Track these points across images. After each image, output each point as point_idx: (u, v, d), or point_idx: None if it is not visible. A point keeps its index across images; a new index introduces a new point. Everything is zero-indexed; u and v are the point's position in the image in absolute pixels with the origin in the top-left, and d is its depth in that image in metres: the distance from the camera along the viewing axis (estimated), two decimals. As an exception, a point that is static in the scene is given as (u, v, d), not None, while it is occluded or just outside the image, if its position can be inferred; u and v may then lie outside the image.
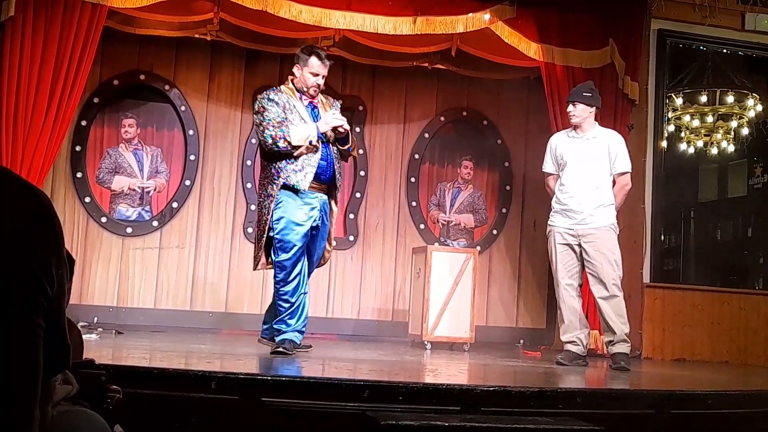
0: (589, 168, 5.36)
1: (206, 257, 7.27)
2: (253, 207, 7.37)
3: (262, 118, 4.63)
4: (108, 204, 7.18)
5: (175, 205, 7.26)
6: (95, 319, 6.51)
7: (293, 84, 4.81)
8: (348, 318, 7.45)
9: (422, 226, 7.77)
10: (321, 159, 4.69)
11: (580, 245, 5.31)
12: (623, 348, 5.22)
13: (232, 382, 3.16)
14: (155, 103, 7.39)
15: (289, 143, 4.55)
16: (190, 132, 7.35)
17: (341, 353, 5.38)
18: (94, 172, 7.16)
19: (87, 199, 7.06)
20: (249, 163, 7.42)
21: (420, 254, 6.43)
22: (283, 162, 4.61)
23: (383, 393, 3.23)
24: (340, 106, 4.96)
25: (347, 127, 4.73)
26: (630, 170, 5.47)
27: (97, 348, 4.42)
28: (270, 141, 4.57)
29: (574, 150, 5.42)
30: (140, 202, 7.24)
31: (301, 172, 4.60)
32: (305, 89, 4.78)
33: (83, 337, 5.05)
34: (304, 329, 4.76)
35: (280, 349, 4.51)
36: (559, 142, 5.55)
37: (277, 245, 4.63)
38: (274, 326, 4.69)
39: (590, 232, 5.28)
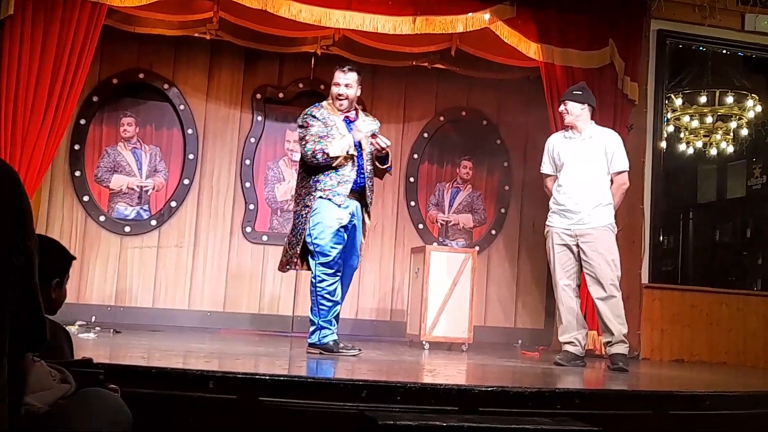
0: (586, 168, 5.35)
1: (204, 256, 7.27)
2: (252, 206, 7.39)
3: (305, 133, 4.92)
4: (106, 203, 7.17)
5: (173, 204, 7.25)
6: (93, 318, 6.49)
7: (331, 101, 5.07)
8: (346, 318, 7.40)
9: (421, 226, 7.77)
10: (355, 171, 4.93)
11: (578, 245, 5.30)
12: (621, 349, 5.21)
13: (230, 382, 3.15)
14: (154, 102, 7.39)
15: (327, 155, 4.79)
16: (189, 131, 7.34)
17: (342, 354, 5.38)
18: (93, 171, 7.16)
19: (85, 198, 7.06)
20: (248, 162, 7.42)
21: (418, 254, 6.42)
22: (322, 175, 4.87)
23: (381, 393, 3.22)
24: (378, 125, 5.21)
25: (384, 144, 4.92)
26: (627, 169, 5.45)
27: (95, 347, 4.42)
28: (310, 154, 4.82)
29: (571, 150, 5.42)
30: (139, 201, 7.24)
31: (339, 186, 4.86)
32: (334, 102, 5.04)
33: (81, 336, 5.05)
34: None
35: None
36: (556, 142, 5.55)
37: (317, 250, 4.83)
38: (320, 323, 4.87)
39: (588, 232, 5.27)
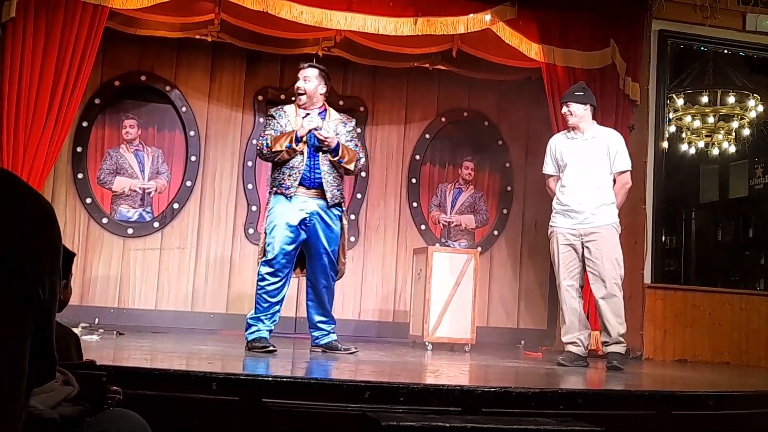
0: (589, 168, 5.36)
1: (207, 258, 7.27)
2: (254, 208, 7.40)
3: (262, 131, 5.09)
4: (109, 205, 7.18)
5: (176, 206, 7.26)
6: (96, 320, 6.50)
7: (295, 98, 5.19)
8: (349, 319, 7.43)
9: (423, 227, 7.77)
10: (306, 165, 4.95)
11: (582, 245, 5.30)
12: (618, 348, 5.23)
13: (233, 383, 3.16)
14: (156, 104, 7.39)
15: (270, 149, 4.93)
16: (191, 133, 7.35)
17: (342, 354, 5.38)
18: (95, 173, 7.16)
19: (88, 200, 7.07)
20: (250, 164, 7.42)
21: (421, 255, 6.42)
22: (276, 172, 4.99)
23: (384, 394, 3.22)
24: (353, 123, 5.26)
25: (325, 134, 4.93)
26: (630, 168, 5.45)
27: (98, 349, 4.43)
28: (257, 150, 5.09)
29: (573, 151, 5.42)
30: (141, 203, 7.24)
31: (289, 179, 4.92)
32: (297, 99, 5.13)
33: (84, 338, 5.05)
34: (273, 328, 4.99)
35: (270, 348, 4.73)
36: (558, 143, 5.55)
37: (267, 246, 4.90)
38: (248, 320, 4.91)
39: (592, 231, 5.27)
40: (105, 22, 5.84)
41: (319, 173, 4.95)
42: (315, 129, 4.91)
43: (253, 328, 4.85)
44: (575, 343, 5.28)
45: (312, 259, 5.06)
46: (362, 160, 5.23)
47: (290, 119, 5.04)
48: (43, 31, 5.59)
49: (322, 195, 4.97)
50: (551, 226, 5.47)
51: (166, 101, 7.36)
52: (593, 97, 5.57)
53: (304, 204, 4.93)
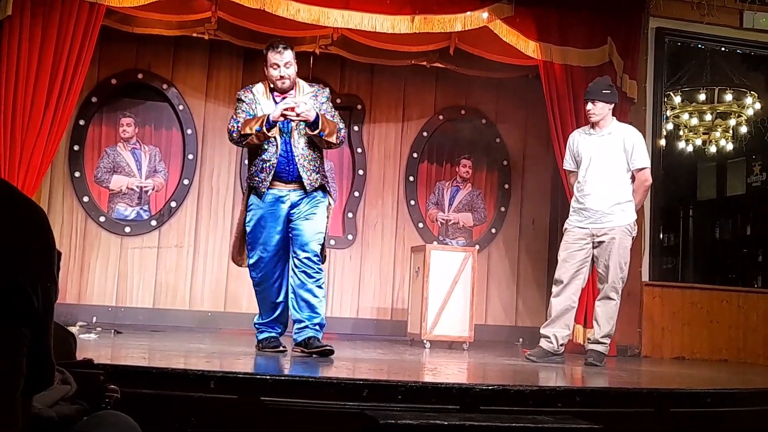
0: (604, 165, 5.29)
1: (205, 256, 7.26)
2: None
3: (232, 115, 4.70)
4: (106, 203, 7.17)
5: (173, 204, 7.25)
6: (94, 318, 6.49)
7: (270, 83, 4.72)
8: (347, 317, 7.44)
9: (421, 225, 7.77)
10: (280, 156, 4.57)
11: (593, 245, 5.28)
12: (598, 347, 5.25)
13: (231, 382, 3.15)
14: (153, 102, 7.38)
15: (239, 132, 4.53)
16: (189, 131, 7.34)
17: (340, 352, 5.37)
18: (93, 172, 7.15)
19: (85, 199, 7.06)
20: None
21: (419, 253, 6.42)
22: (252, 165, 4.68)
23: (382, 392, 3.22)
24: (327, 93, 4.78)
25: (301, 110, 4.43)
26: (648, 166, 5.38)
27: (96, 347, 4.42)
28: (228, 133, 4.66)
29: (589, 147, 5.37)
30: (138, 202, 7.23)
31: (262, 173, 4.57)
32: (273, 85, 4.68)
33: (82, 336, 5.04)
34: (282, 329, 4.92)
35: (281, 348, 4.72)
36: (576, 138, 5.52)
37: (248, 246, 4.73)
38: (255, 324, 4.84)
39: (605, 232, 5.23)
40: (102, 20, 5.82)
41: (293, 162, 4.57)
42: (288, 110, 4.44)
43: (262, 328, 4.80)
44: (548, 338, 5.27)
45: (294, 246, 4.66)
46: (343, 131, 4.69)
47: (262, 105, 4.62)
48: (39, 29, 5.58)
49: (301, 185, 4.60)
50: (567, 223, 5.44)
51: (163, 99, 7.34)
52: (617, 94, 5.57)
53: (283, 196, 4.60)
